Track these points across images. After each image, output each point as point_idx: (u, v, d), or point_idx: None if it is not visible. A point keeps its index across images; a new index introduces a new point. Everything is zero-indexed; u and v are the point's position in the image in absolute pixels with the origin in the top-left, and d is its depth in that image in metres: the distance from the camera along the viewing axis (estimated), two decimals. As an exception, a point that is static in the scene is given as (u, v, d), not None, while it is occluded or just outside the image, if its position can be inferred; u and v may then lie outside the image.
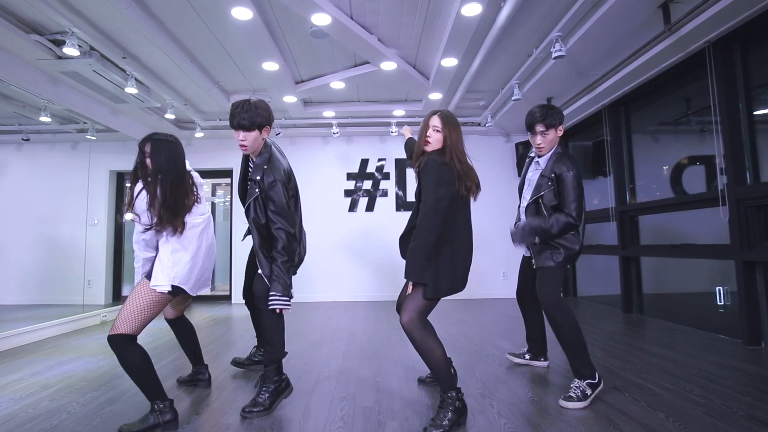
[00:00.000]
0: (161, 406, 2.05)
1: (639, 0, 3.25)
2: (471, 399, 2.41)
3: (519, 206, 2.90)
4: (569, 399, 2.31)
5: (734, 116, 3.64)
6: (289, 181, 2.43)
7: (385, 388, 2.66)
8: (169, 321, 2.67)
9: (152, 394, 2.06)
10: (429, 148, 2.15)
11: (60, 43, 3.99)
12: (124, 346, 2.00)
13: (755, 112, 3.59)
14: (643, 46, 3.92)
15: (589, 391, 2.34)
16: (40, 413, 2.33)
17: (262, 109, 2.31)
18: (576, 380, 2.39)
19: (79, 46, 3.84)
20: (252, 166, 2.41)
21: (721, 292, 3.93)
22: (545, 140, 2.63)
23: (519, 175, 6.89)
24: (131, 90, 4.60)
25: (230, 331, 4.53)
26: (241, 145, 2.33)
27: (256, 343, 3.18)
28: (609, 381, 2.67)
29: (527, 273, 2.96)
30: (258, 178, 2.31)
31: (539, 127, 2.62)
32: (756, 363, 3.01)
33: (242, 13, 3.54)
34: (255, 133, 2.31)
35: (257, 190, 2.30)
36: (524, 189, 2.82)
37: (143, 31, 3.84)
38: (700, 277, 4.37)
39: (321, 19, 3.66)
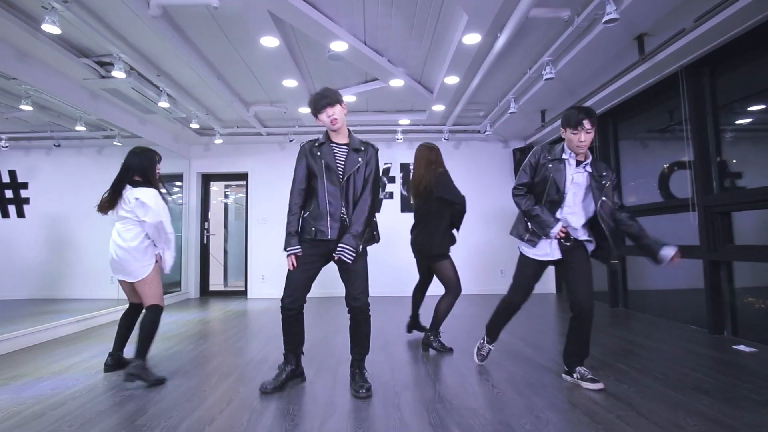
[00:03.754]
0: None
1: (617, 33, 3.73)
2: (471, 372, 2.91)
3: (561, 208, 2.72)
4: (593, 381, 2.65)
5: (702, 132, 4.11)
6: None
7: (397, 366, 3.16)
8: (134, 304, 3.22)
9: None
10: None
11: (105, 65, 4.49)
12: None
13: (722, 128, 4.07)
14: (624, 69, 4.39)
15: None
16: (108, 389, 2.81)
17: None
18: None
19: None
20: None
21: None
22: (589, 139, 2.62)
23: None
24: (164, 104, 5.10)
25: (255, 323, 5.03)
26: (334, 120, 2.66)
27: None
28: (587, 362, 3.16)
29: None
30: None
31: (588, 124, 2.57)
32: (715, 348, 3.50)
33: (270, 42, 4.02)
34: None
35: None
36: (568, 191, 2.69)
37: (179, 54, 4.31)
38: (679, 274, 4.86)
39: (338, 46, 4.14)
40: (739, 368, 2.98)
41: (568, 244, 2.72)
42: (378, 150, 2.84)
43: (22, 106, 4.90)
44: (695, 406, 2.31)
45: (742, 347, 3.47)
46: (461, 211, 3.62)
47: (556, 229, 2.68)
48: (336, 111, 2.65)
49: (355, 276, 2.73)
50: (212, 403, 2.48)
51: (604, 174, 2.70)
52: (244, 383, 2.85)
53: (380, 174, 3.12)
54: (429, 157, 3.68)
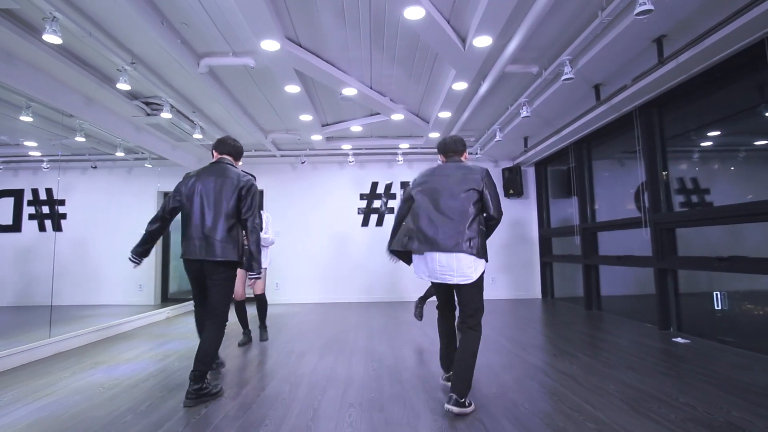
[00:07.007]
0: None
1: (577, 84, 4.56)
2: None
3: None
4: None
5: (653, 161, 4.95)
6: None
7: (396, 362, 3.96)
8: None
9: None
10: None
11: (150, 104, 5.33)
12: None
13: (668, 156, 4.89)
14: (588, 109, 5.24)
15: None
16: (176, 370, 3.62)
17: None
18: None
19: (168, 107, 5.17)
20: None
21: (718, 296, 4.34)
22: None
23: (506, 195, 8.04)
24: (198, 136, 5.94)
25: (288, 329, 5.83)
26: None
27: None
28: (554, 352, 3.97)
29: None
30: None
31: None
32: (658, 340, 4.30)
33: (293, 89, 4.86)
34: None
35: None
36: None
37: (215, 97, 5.15)
38: (643, 280, 5.67)
39: (349, 91, 4.99)
40: (667, 353, 3.78)
41: None
42: None
43: (77, 138, 5.74)
44: (620, 378, 3.12)
45: (679, 339, 4.28)
46: None
47: None
48: None
49: None
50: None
51: None
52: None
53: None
54: None
